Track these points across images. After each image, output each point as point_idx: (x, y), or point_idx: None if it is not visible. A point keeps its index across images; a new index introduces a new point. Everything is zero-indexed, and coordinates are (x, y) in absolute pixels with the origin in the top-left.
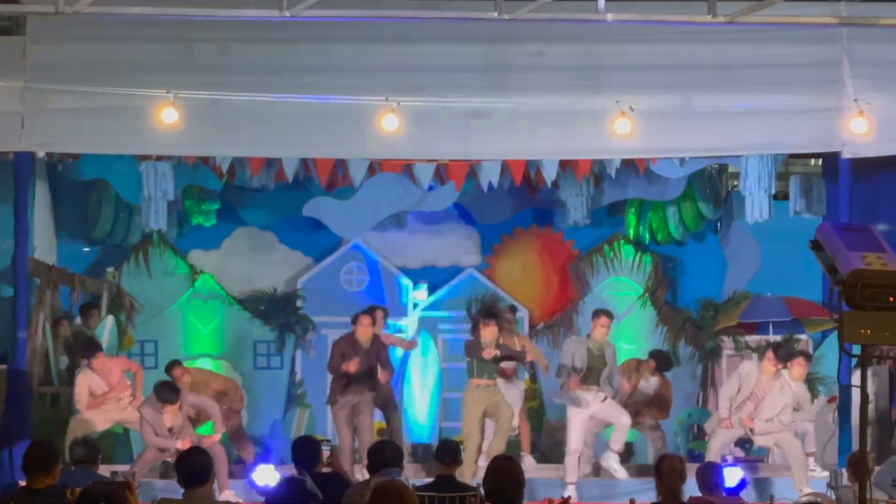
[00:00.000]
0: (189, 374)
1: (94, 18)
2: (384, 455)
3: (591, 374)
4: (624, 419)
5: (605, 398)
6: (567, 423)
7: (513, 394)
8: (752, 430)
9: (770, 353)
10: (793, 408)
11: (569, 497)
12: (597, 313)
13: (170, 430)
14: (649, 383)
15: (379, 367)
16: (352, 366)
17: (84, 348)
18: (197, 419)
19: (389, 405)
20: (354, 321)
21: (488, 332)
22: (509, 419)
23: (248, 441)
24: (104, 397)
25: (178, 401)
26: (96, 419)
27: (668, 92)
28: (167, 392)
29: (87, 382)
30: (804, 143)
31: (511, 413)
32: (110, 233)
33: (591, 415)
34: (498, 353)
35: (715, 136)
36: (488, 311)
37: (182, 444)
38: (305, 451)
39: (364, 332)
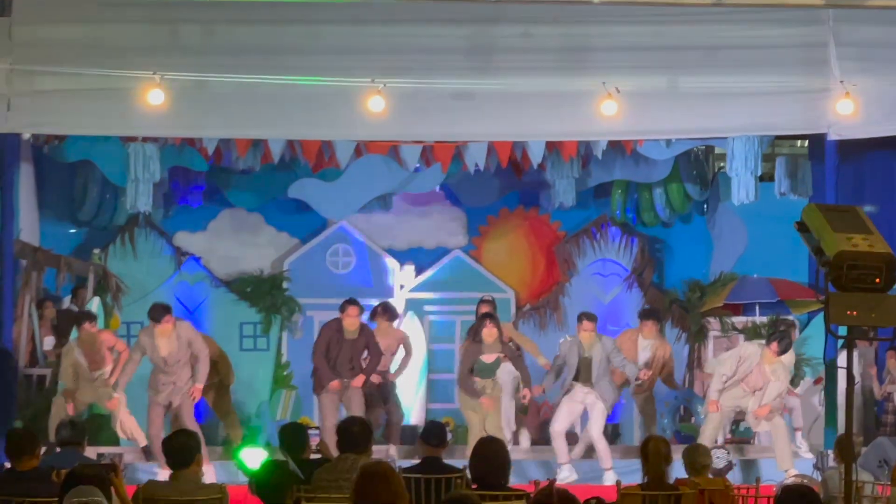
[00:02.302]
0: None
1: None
2: (352, 431)
3: (582, 373)
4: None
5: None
6: (557, 406)
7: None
8: (757, 417)
9: (774, 346)
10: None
11: (553, 479)
12: (579, 318)
13: (164, 360)
14: (645, 346)
15: (367, 357)
16: (335, 384)
17: (76, 317)
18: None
19: (389, 401)
20: (342, 310)
21: (488, 334)
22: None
23: (238, 420)
24: (84, 379)
25: (172, 318)
26: (74, 402)
27: (654, 73)
28: (159, 311)
29: (71, 362)
30: (790, 124)
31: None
32: (96, 214)
33: (582, 406)
34: (502, 355)
35: (701, 117)
36: (485, 313)
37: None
38: (292, 437)
39: (351, 323)
